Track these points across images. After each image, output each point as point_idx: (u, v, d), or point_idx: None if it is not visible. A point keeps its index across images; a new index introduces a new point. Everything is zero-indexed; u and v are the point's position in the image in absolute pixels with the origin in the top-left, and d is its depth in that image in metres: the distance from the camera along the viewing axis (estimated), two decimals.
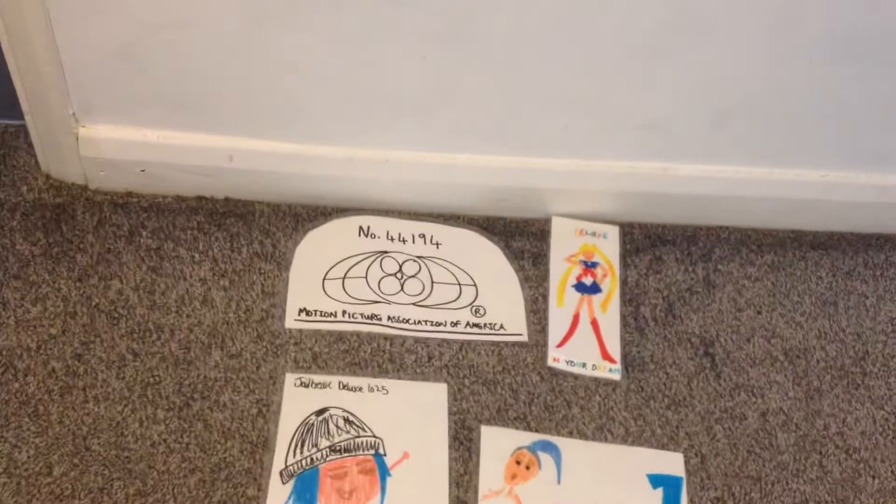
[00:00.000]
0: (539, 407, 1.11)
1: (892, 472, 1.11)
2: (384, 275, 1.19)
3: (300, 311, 1.14)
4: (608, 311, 1.20)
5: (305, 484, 1.02)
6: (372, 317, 1.15)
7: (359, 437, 1.06)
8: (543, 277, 1.21)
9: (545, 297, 1.20)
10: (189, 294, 1.14)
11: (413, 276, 1.20)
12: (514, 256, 1.23)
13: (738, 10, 1.00)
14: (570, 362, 1.15)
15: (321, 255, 1.20)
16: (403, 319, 1.16)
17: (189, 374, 1.08)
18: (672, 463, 1.09)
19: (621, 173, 1.20)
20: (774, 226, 1.28)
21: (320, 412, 1.07)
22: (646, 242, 1.26)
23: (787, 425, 1.13)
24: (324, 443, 1.05)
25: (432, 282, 1.20)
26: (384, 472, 1.04)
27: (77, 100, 1.11)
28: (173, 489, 1.00)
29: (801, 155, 1.19)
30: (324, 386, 1.09)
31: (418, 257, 1.21)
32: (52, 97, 1.10)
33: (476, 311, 1.18)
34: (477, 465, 1.06)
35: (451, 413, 1.09)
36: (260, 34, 1.03)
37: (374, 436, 1.06)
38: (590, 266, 1.23)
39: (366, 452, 1.05)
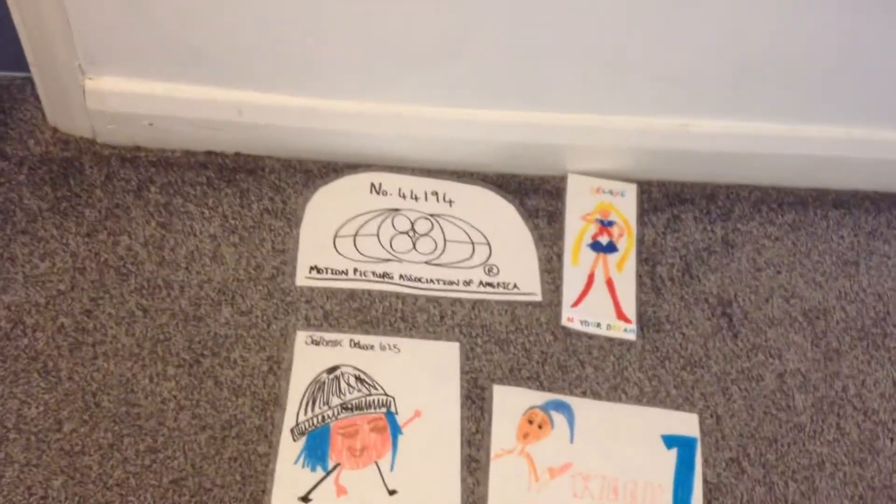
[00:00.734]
0: (552, 366, 1.10)
1: None
2: (396, 233, 1.18)
3: (311, 268, 1.13)
4: (624, 270, 1.18)
5: (316, 441, 1.02)
6: (384, 275, 1.14)
7: (370, 395, 1.05)
8: (558, 236, 1.19)
9: (560, 257, 1.18)
10: (199, 250, 1.12)
11: (425, 235, 1.18)
12: (529, 215, 1.21)
13: None
14: (584, 322, 1.13)
15: (332, 212, 1.18)
16: (415, 278, 1.14)
17: (199, 330, 1.07)
18: (687, 423, 1.08)
19: (640, 129, 1.17)
20: (796, 184, 1.26)
21: (332, 370, 1.06)
22: (664, 201, 1.23)
23: (805, 386, 1.11)
24: (335, 401, 1.04)
25: (445, 240, 1.18)
26: (396, 430, 1.04)
27: (83, 51, 1.09)
28: (184, 446, 1.00)
29: (826, 111, 1.15)
30: (335, 344, 1.08)
31: (431, 215, 1.19)
32: (58, 48, 1.07)
33: (489, 270, 1.16)
34: (489, 424, 1.05)
35: (463, 372, 1.08)
36: None
37: (386, 394, 1.05)
38: (606, 225, 1.21)
39: (377, 410, 1.04)
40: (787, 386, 1.11)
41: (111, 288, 1.08)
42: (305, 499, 0.99)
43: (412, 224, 1.19)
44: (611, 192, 1.23)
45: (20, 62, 1.12)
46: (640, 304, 1.15)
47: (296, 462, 1.00)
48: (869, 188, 1.27)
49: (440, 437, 1.04)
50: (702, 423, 1.08)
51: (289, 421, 1.02)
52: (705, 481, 1.04)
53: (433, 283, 1.14)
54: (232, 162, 1.20)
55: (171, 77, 1.12)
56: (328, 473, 1.00)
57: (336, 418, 1.03)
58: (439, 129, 1.17)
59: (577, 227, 1.20)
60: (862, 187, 1.26)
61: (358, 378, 1.06)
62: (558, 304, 1.14)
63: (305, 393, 1.04)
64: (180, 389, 1.03)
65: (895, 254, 1.22)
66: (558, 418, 1.06)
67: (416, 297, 1.13)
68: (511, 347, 1.11)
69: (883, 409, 1.11)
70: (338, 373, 1.06)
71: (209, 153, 1.20)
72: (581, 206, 1.22)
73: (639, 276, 1.17)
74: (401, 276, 1.14)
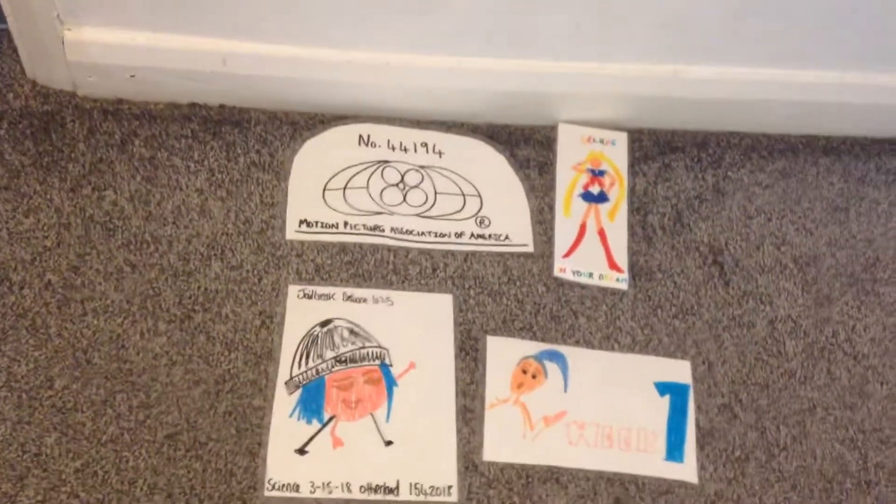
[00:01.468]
0: (545, 317, 1.10)
1: None
2: (386, 185, 1.16)
3: (301, 222, 1.12)
4: (615, 220, 1.17)
5: (311, 394, 1.01)
6: (375, 228, 1.13)
7: (364, 347, 1.05)
8: (549, 187, 1.18)
9: (551, 207, 1.17)
10: (185, 205, 1.10)
11: (416, 187, 1.16)
12: (520, 165, 1.20)
13: None
14: (576, 272, 1.13)
15: (320, 165, 1.16)
16: (407, 231, 1.13)
17: (189, 286, 1.06)
18: (679, 370, 1.08)
19: (631, 76, 1.16)
20: (787, 131, 1.25)
21: (325, 323, 1.05)
22: (655, 149, 1.23)
23: (796, 332, 1.12)
24: (329, 354, 1.04)
25: (435, 192, 1.16)
26: (390, 381, 1.03)
27: (61, 0, 1.05)
28: (178, 401, 0.99)
29: (818, 55, 1.14)
30: (328, 297, 1.07)
31: (421, 167, 1.18)
32: None
33: (481, 222, 1.15)
34: (483, 374, 1.05)
35: (456, 324, 1.08)
36: None
37: (380, 346, 1.05)
38: (597, 174, 1.20)
39: (372, 363, 1.04)
40: (778, 332, 1.12)
41: (98, 243, 1.07)
42: (302, 451, 0.99)
43: (402, 176, 1.17)
44: (602, 142, 1.22)
45: None
46: (632, 253, 1.15)
47: (291, 415, 1.00)
48: (859, 134, 1.26)
49: (435, 389, 1.04)
50: (694, 370, 1.08)
51: (283, 374, 1.02)
52: (698, 427, 1.05)
53: (425, 235, 1.13)
54: (217, 114, 1.17)
55: (152, 26, 1.09)
56: (324, 425, 1.00)
57: (330, 371, 1.03)
58: (429, 78, 1.15)
59: (568, 177, 1.19)
60: (852, 133, 1.26)
61: (351, 331, 1.05)
62: (550, 254, 1.14)
63: (299, 346, 1.04)
64: (172, 345, 1.02)
65: (885, 199, 1.23)
66: (552, 368, 1.07)
67: (407, 250, 1.12)
68: (504, 298, 1.10)
69: (873, 353, 1.12)
70: (331, 326, 1.05)
71: (193, 105, 1.17)
72: (572, 155, 1.21)
73: (630, 226, 1.17)
74: (392, 229, 1.13)
